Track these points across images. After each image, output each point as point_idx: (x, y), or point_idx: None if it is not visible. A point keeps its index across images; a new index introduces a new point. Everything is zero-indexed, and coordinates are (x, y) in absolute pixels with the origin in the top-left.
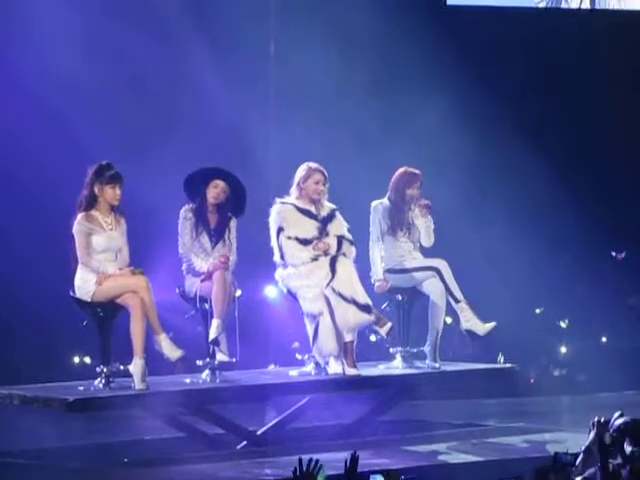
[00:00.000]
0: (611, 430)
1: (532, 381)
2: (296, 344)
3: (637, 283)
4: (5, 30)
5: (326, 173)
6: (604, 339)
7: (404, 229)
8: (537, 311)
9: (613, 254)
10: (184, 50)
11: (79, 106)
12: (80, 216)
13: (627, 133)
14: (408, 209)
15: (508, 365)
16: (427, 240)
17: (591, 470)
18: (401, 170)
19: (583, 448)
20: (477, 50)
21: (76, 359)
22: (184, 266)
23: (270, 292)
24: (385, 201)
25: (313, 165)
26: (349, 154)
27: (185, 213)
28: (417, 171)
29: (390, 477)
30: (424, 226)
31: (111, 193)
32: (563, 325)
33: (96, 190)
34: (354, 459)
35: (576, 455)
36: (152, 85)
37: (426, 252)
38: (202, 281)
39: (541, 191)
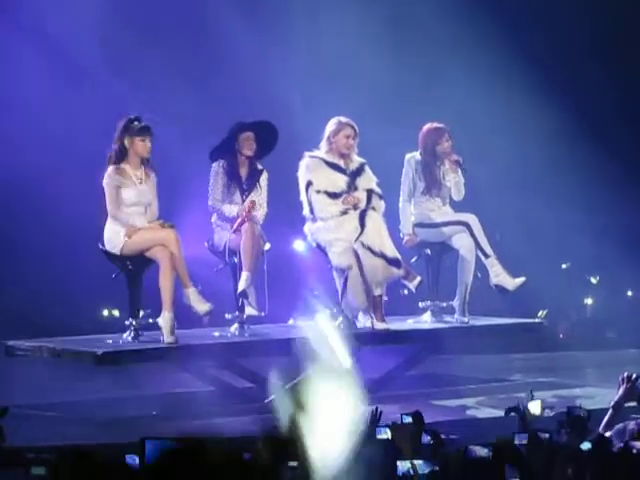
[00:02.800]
0: None
1: (561, 336)
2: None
3: None
4: None
5: (356, 127)
6: (631, 293)
7: (436, 185)
8: (563, 266)
9: None
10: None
11: (110, 63)
12: (110, 169)
13: None
14: (440, 165)
15: (537, 320)
16: (457, 194)
17: (619, 426)
18: (426, 127)
19: (612, 404)
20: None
21: (105, 312)
22: (214, 218)
23: (299, 246)
24: (418, 155)
25: (344, 119)
26: (378, 110)
27: (217, 168)
28: (441, 125)
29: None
30: (454, 181)
31: (141, 146)
32: (594, 281)
33: (126, 143)
34: (375, 415)
35: (590, 411)
36: (181, 43)
37: (456, 207)
38: (232, 233)
39: (575, 151)
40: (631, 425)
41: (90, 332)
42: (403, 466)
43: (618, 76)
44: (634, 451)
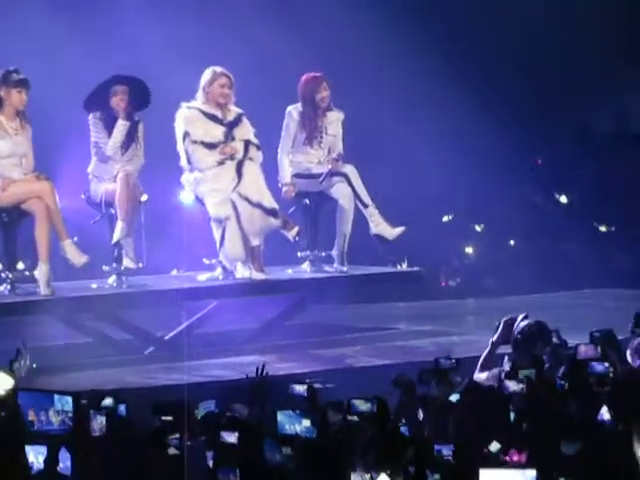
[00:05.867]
0: (516, 331)
1: (443, 284)
2: None
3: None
4: None
5: (232, 77)
6: (512, 242)
7: (316, 135)
8: (445, 219)
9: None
10: None
11: None
12: None
13: None
14: (321, 114)
15: (415, 268)
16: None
17: (494, 370)
18: (303, 78)
19: (489, 342)
20: None
21: None
22: (90, 169)
23: (185, 197)
24: (299, 107)
25: (218, 69)
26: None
27: (93, 119)
28: (318, 74)
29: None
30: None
31: (17, 97)
32: (478, 229)
33: (2, 94)
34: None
35: (458, 360)
36: None
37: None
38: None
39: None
40: (506, 367)
41: None
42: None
43: None
44: (506, 392)
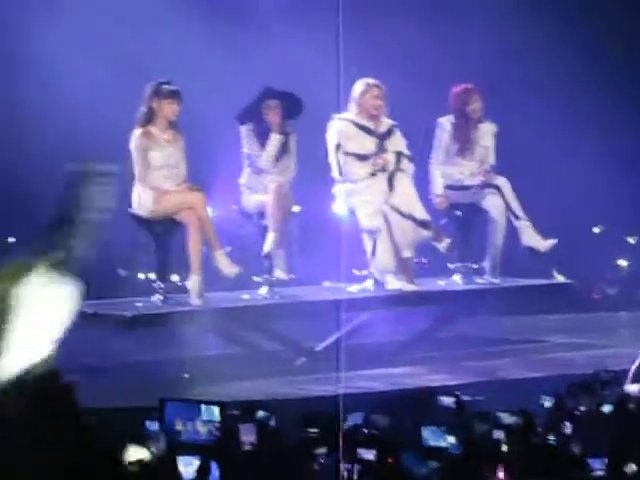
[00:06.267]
0: None
1: (595, 296)
2: None
3: None
4: None
5: (383, 88)
6: None
7: (468, 147)
8: (596, 230)
9: None
10: None
11: (134, 30)
12: (137, 132)
13: None
14: (473, 126)
15: (567, 281)
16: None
17: None
18: (454, 89)
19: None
20: None
21: (134, 275)
22: (242, 180)
23: (339, 208)
24: (452, 118)
25: (370, 81)
26: (406, 73)
27: (246, 131)
28: (469, 85)
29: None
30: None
31: (169, 109)
32: (632, 241)
33: (154, 105)
34: None
35: (617, 372)
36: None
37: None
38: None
39: (612, 110)
40: None
41: (119, 295)
42: None
43: None
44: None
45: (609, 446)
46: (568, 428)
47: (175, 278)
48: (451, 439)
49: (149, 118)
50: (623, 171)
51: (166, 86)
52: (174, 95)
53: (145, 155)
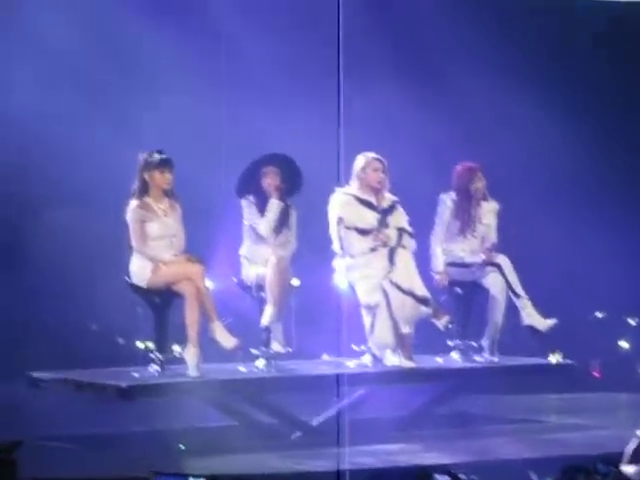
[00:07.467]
0: None
1: (596, 376)
2: None
3: None
4: None
5: (385, 162)
6: None
7: (470, 225)
8: (598, 315)
9: None
10: None
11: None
12: (133, 204)
13: None
14: (475, 204)
15: (568, 361)
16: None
17: None
18: (458, 168)
19: (637, 434)
20: None
21: (131, 345)
22: (242, 251)
23: (340, 282)
24: (453, 195)
25: (370, 154)
26: (405, 150)
27: (246, 203)
28: (473, 165)
29: None
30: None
31: (161, 178)
32: (632, 322)
33: (146, 177)
34: None
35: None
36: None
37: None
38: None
39: (616, 193)
40: None
41: (116, 364)
42: None
43: None
44: None
45: None
46: None
47: (174, 347)
48: None
49: (143, 189)
50: (624, 253)
51: (157, 155)
52: (165, 164)
53: (142, 226)
